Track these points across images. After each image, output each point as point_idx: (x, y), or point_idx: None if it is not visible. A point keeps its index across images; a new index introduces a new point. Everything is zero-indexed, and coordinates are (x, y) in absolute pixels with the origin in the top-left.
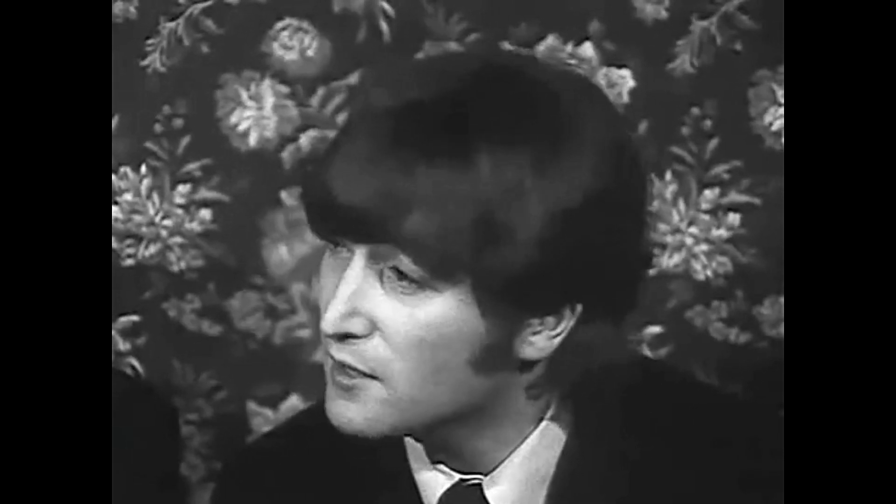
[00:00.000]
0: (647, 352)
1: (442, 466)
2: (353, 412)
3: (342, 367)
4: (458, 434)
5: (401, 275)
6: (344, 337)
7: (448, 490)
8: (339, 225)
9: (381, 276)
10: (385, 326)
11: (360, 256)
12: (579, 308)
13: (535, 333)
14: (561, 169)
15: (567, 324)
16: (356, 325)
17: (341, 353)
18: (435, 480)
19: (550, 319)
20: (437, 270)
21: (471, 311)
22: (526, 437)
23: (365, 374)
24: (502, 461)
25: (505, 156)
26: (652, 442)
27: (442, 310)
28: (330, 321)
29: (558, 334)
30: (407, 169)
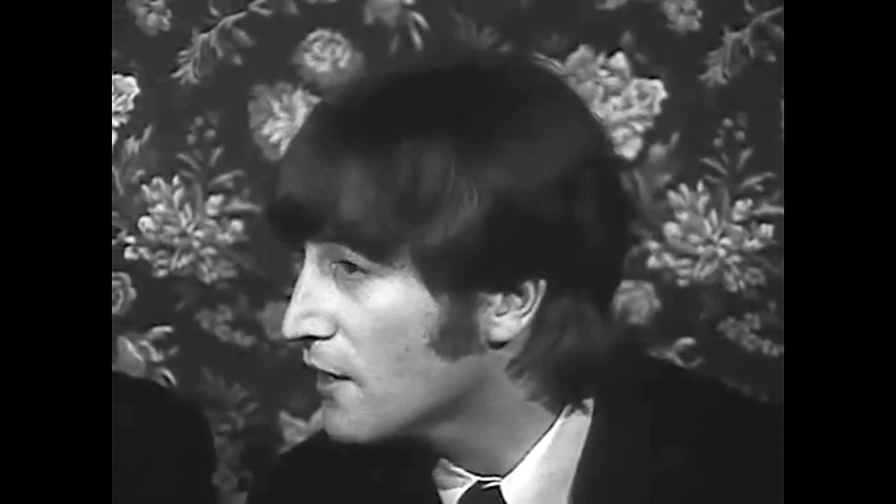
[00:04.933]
0: (679, 363)
1: (459, 469)
2: (337, 418)
3: (320, 374)
4: (455, 431)
5: (350, 267)
6: (307, 340)
7: (466, 492)
8: (284, 223)
9: (334, 274)
10: (343, 323)
11: (310, 257)
12: (543, 284)
13: (500, 314)
14: (497, 156)
15: (533, 301)
16: (316, 327)
17: (310, 358)
18: (453, 483)
19: (515, 298)
20: (374, 254)
21: (419, 294)
22: (542, 437)
23: (338, 377)
24: (518, 462)
25: (427, 142)
26: (675, 442)
27: (390, 296)
28: (286, 324)
29: (525, 313)
30: (331, 158)
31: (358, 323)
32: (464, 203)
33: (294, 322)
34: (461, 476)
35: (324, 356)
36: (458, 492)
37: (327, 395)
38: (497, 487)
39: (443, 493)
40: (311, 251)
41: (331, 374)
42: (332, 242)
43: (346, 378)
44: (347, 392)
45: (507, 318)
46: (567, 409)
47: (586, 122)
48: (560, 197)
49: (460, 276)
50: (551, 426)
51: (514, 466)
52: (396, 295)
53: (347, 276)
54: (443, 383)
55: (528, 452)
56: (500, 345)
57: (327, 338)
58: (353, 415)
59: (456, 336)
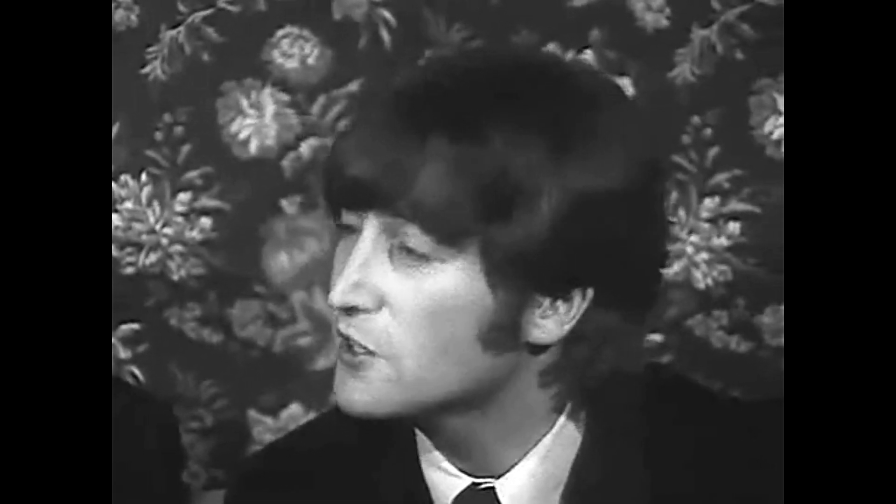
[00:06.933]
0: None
1: (453, 469)
2: (359, 392)
3: (348, 344)
4: (466, 423)
5: (409, 251)
6: (350, 310)
7: (460, 493)
8: (349, 194)
9: (390, 251)
10: (392, 300)
11: (370, 230)
12: (590, 293)
13: (544, 317)
14: (580, 157)
15: (578, 309)
16: (363, 298)
17: (348, 328)
18: (446, 484)
19: (561, 304)
20: (444, 237)
21: (478, 284)
22: (540, 440)
23: (369, 351)
24: (515, 464)
25: (517, 136)
26: (667, 449)
27: (450, 281)
28: (337, 292)
29: (570, 320)
30: (418, 138)
31: (410, 304)
32: (541, 202)
33: (345, 291)
34: (455, 476)
35: (365, 330)
36: (452, 493)
37: (351, 364)
38: (492, 488)
39: (436, 494)
40: (372, 222)
41: (362, 347)
42: (401, 219)
43: (378, 355)
44: (377, 368)
45: (550, 323)
46: (566, 412)
47: (648, 130)
48: (624, 204)
49: (521, 274)
50: (550, 429)
51: (511, 467)
52: (457, 282)
53: (406, 258)
54: (477, 376)
55: (525, 454)
56: (538, 348)
57: (371, 311)
58: (377, 391)
59: (502, 332)
